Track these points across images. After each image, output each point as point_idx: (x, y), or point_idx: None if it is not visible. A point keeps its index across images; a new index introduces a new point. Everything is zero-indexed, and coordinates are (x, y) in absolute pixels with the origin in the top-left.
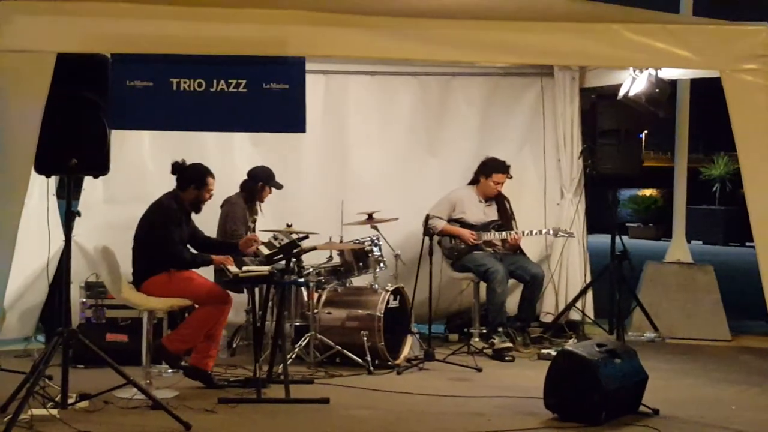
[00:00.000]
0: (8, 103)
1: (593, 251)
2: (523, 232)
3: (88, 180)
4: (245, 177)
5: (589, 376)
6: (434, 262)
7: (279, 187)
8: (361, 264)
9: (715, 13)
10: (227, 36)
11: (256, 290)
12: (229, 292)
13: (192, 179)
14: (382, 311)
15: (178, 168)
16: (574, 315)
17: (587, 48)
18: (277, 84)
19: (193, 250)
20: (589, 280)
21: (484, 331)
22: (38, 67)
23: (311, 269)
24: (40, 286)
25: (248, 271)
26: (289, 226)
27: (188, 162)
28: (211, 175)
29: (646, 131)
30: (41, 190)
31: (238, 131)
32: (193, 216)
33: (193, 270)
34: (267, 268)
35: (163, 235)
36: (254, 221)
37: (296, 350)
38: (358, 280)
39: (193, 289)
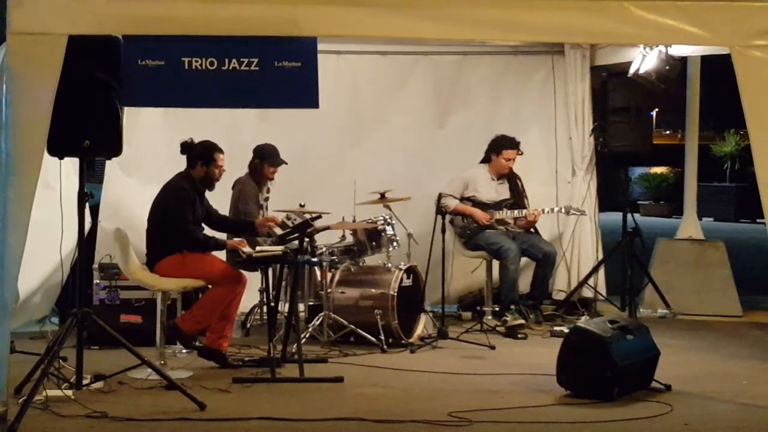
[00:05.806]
0: (20, 85)
1: (605, 229)
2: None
3: (109, 164)
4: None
5: (601, 353)
6: (447, 240)
7: (278, 164)
8: (374, 243)
9: None
10: (239, 16)
11: (270, 270)
12: (243, 272)
13: (200, 156)
14: (396, 290)
15: (186, 147)
16: (587, 292)
17: (598, 25)
18: (289, 62)
19: (208, 231)
20: (601, 257)
21: (497, 309)
22: (50, 50)
23: (324, 249)
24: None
25: (262, 251)
26: (302, 206)
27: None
28: (219, 150)
29: (656, 109)
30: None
31: (250, 107)
32: (208, 196)
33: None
34: (280, 248)
35: (176, 216)
36: (266, 200)
37: (310, 330)
38: (371, 260)
39: (206, 269)
